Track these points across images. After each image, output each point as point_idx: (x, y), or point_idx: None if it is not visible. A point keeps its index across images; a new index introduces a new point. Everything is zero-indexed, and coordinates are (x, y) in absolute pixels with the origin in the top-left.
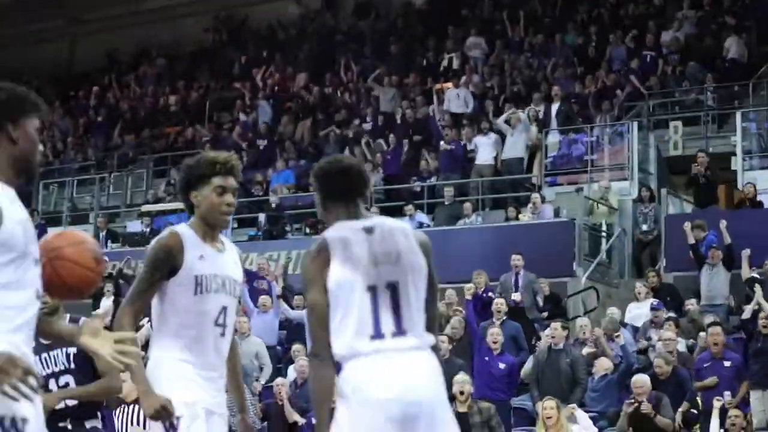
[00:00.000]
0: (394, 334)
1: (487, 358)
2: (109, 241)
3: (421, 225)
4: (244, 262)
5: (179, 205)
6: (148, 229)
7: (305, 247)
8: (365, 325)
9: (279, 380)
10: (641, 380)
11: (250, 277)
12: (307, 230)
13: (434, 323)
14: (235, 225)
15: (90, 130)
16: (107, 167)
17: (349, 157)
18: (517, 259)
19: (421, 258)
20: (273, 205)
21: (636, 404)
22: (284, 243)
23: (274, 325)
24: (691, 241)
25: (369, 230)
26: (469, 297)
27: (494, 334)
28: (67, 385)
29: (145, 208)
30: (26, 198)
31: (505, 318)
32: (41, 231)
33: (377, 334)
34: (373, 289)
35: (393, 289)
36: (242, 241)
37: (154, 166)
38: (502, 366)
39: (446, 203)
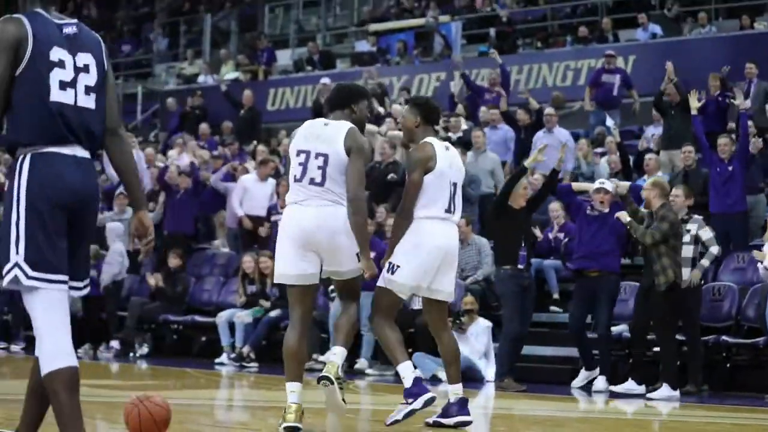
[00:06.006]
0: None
1: (718, 169)
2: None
3: (654, 35)
4: (476, 78)
5: (407, 22)
6: (375, 49)
7: (537, 61)
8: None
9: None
10: None
11: (481, 91)
12: (538, 44)
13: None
14: (465, 41)
15: None
16: None
17: None
18: (750, 68)
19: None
20: (503, 20)
21: None
22: (515, 58)
23: (508, 140)
24: None
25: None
26: (695, 110)
27: (722, 144)
28: None
29: (373, 27)
30: (252, 21)
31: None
32: (269, 55)
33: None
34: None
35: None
36: (472, 56)
37: None
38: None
39: (668, 15)
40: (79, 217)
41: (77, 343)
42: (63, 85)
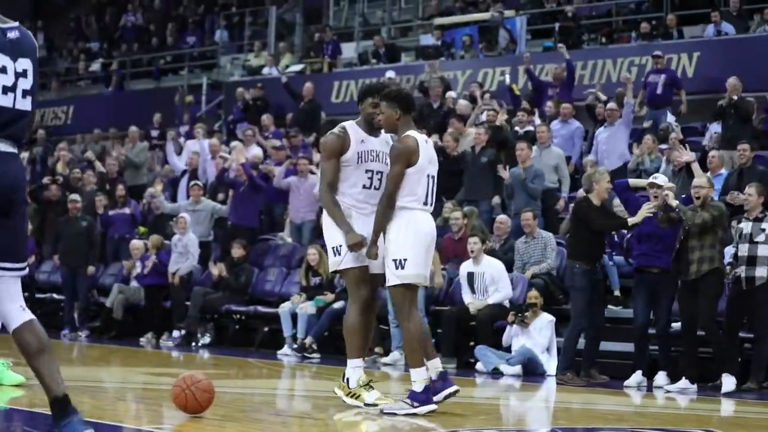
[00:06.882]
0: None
1: None
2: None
3: (719, 32)
4: (540, 73)
5: (472, 17)
6: (439, 42)
7: (602, 57)
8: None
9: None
10: None
11: (543, 86)
12: (603, 40)
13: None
14: (529, 36)
15: None
16: None
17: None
18: None
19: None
20: (569, 15)
21: None
22: (579, 53)
23: (575, 137)
24: None
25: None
26: None
27: None
28: None
29: (438, 21)
30: (317, 14)
31: None
32: (334, 47)
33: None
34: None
35: None
36: (537, 51)
37: None
38: None
39: (733, 12)
40: (5, 206)
41: (139, 332)
42: (5, 90)
